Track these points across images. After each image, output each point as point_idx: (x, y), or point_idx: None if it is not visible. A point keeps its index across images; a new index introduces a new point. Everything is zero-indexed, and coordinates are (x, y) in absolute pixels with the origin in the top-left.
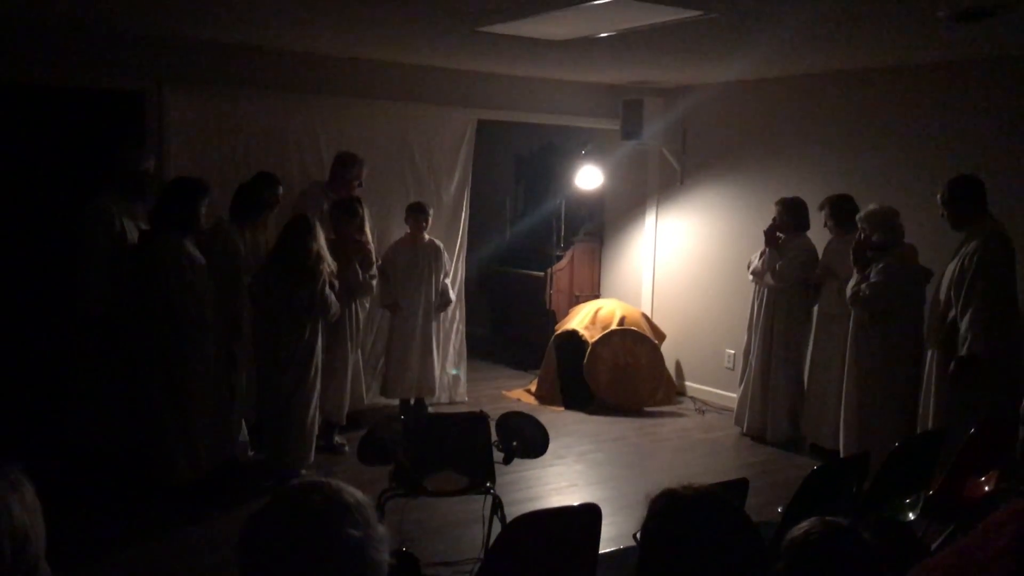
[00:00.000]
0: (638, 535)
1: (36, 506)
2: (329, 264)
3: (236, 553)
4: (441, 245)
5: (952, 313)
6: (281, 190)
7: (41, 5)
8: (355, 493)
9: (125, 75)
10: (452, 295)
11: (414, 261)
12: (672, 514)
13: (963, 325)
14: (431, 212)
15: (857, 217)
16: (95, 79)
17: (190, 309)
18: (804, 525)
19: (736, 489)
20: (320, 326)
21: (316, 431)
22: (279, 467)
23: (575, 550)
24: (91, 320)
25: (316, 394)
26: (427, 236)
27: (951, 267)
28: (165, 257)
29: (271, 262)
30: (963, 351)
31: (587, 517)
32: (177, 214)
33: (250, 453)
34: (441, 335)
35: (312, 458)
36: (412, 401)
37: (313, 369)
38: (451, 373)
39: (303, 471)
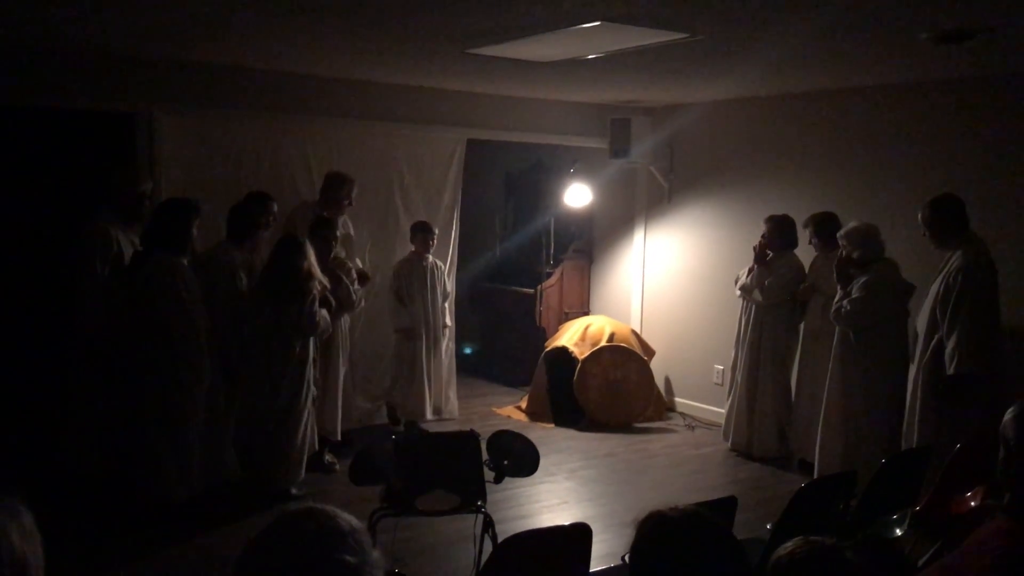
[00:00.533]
0: (627, 557)
1: (35, 534)
2: (321, 281)
3: None
4: (442, 266)
5: (938, 332)
6: (275, 208)
7: (32, 28)
8: (350, 519)
9: (116, 97)
10: (449, 319)
11: (421, 281)
12: (660, 536)
13: (950, 344)
14: (436, 232)
15: (838, 235)
16: (86, 101)
17: (183, 329)
18: (789, 545)
19: (724, 507)
20: (312, 343)
21: (307, 450)
22: (270, 487)
23: (566, 570)
24: (88, 340)
25: (308, 412)
26: (430, 256)
27: (935, 286)
28: (158, 278)
29: (261, 281)
30: (951, 369)
31: (578, 536)
32: (169, 234)
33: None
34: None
35: (302, 476)
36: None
37: (305, 387)
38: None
39: (293, 490)
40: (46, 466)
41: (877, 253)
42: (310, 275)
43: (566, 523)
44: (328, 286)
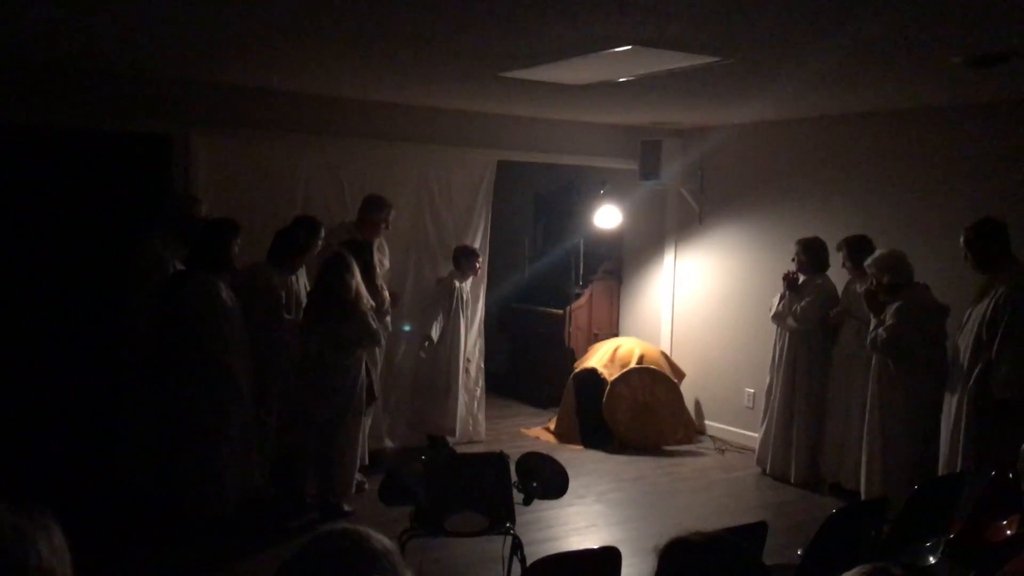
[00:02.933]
0: None
1: (64, 549)
2: (367, 300)
3: None
4: (467, 289)
5: (983, 356)
6: (323, 233)
7: (70, 51)
8: (383, 540)
9: (153, 119)
10: (471, 342)
11: (459, 303)
12: (683, 563)
13: (1003, 369)
14: (481, 258)
15: (865, 264)
16: (123, 123)
17: (219, 346)
18: (853, 572)
19: (755, 532)
20: (364, 359)
21: (357, 466)
22: (325, 502)
23: None
24: (136, 356)
25: (361, 428)
26: (468, 280)
27: (980, 309)
28: (197, 296)
29: (311, 299)
30: (1003, 394)
31: (607, 560)
32: (209, 254)
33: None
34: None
35: (353, 491)
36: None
37: (357, 401)
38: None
39: (346, 507)
40: (97, 477)
41: (906, 278)
42: (359, 294)
43: (595, 546)
44: (374, 306)
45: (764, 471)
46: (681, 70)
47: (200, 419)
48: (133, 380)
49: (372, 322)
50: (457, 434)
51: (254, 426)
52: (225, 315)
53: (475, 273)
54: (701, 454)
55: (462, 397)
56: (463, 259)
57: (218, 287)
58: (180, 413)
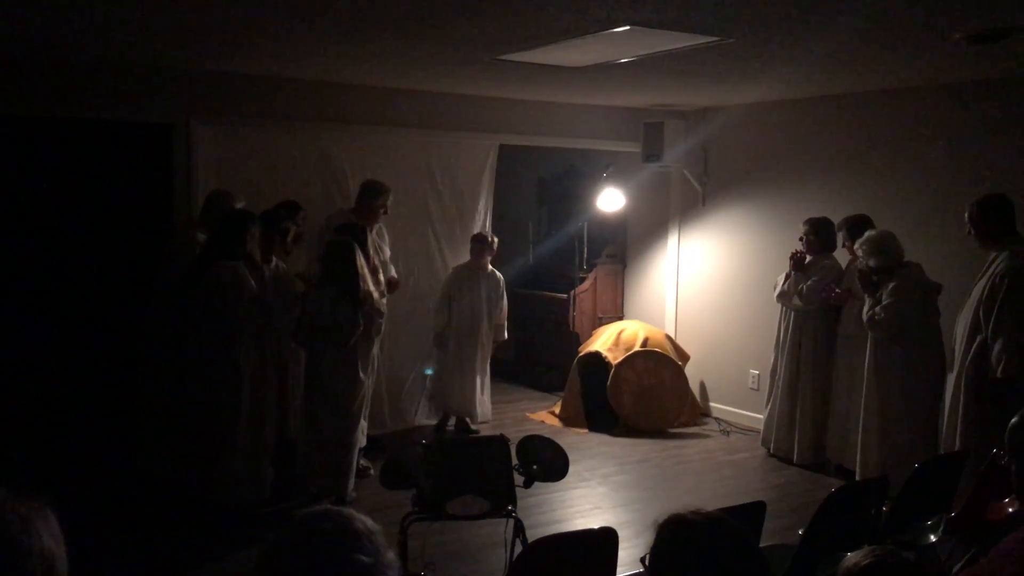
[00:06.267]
0: (646, 559)
1: (59, 535)
2: (367, 282)
3: None
4: (501, 277)
5: (980, 334)
6: (302, 215)
7: (72, 41)
8: (366, 521)
9: (154, 108)
10: (505, 334)
11: (474, 290)
12: (680, 540)
13: (997, 346)
14: (494, 243)
15: (855, 245)
16: (124, 112)
17: (250, 331)
18: (858, 554)
19: (753, 512)
20: (363, 343)
21: (357, 453)
22: (336, 487)
23: (593, 574)
24: (158, 343)
25: (360, 416)
26: (490, 267)
27: (978, 287)
28: (225, 282)
29: (323, 284)
30: (997, 373)
31: (604, 540)
32: (226, 244)
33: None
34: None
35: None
36: (453, 422)
37: (359, 389)
38: (426, 372)
39: (354, 493)
40: (123, 465)
41: (895, 260)
42: (364, 276)
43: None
44: (374, 291)
45: (769, 452)
46: (680, 51)
47: (215, 408)
48: (154, 366)
49: (374, 303)
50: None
51: (265, 416)
52: (252, 299)
53: (482, 256)
54: (706, 436)
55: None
56: (476, 245)
57: (244, 272)
58: (197, 402)
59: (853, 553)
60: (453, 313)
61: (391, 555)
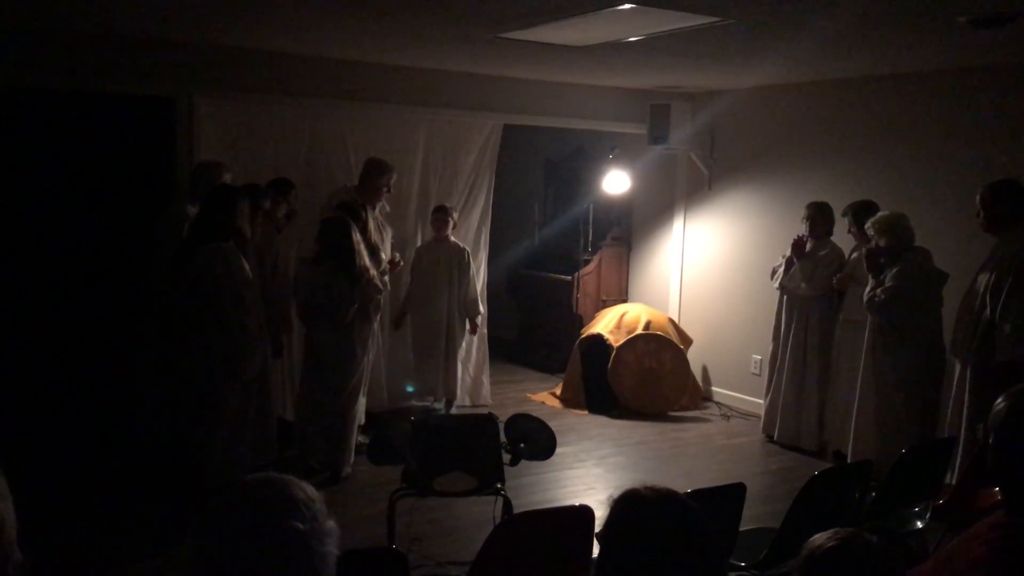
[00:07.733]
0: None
1: (7, 494)
2: (363, 258)
3: (187, 543)
4: (467, 249)
5: (987, 319)
6: (294, 193)
7: (73, 13)
8: (305, 488)
9: (156, 82)
10: (481, 307)
11: (436, 262)
12: (631, 514)
13: (1004, 331)
14: (454, 214)
15: (865, 226)
16: (127, 86)
17: (238, 312)
18: (823, 536)
19: (731, 493)
20: (360, 321)
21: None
22: (334, 462)
23: (569, 551)
24: (154, 321)
25: (359, 394)
26: (452, 238)
27: (986, 272)
28: (211, 264)
29: (320, 261)
30: (1004, 357)
31: (579, 517)
32: (215, 223)
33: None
34: (467, 341)
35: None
36: (435, 402)
37: (357, 367)
38: (408, 390)
39: (348, 470)
40: (123, 443)
41: (906, 242)
42: (361, 253)
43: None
44: (373, 270)
45: (769, 438)
46: (684, 31)
47: (206, 388)
48: (151, 344)
49: (372, 278)
50: (457, 398)
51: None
52: (244, 283)
53: (443, 228)
54: (706, 420)
55: (467, 361)
56: (433, 217)
57: (236, 256)
58: (188, 380)
59: (818, 535)
60: (413, 289)
61: (331, 523)
